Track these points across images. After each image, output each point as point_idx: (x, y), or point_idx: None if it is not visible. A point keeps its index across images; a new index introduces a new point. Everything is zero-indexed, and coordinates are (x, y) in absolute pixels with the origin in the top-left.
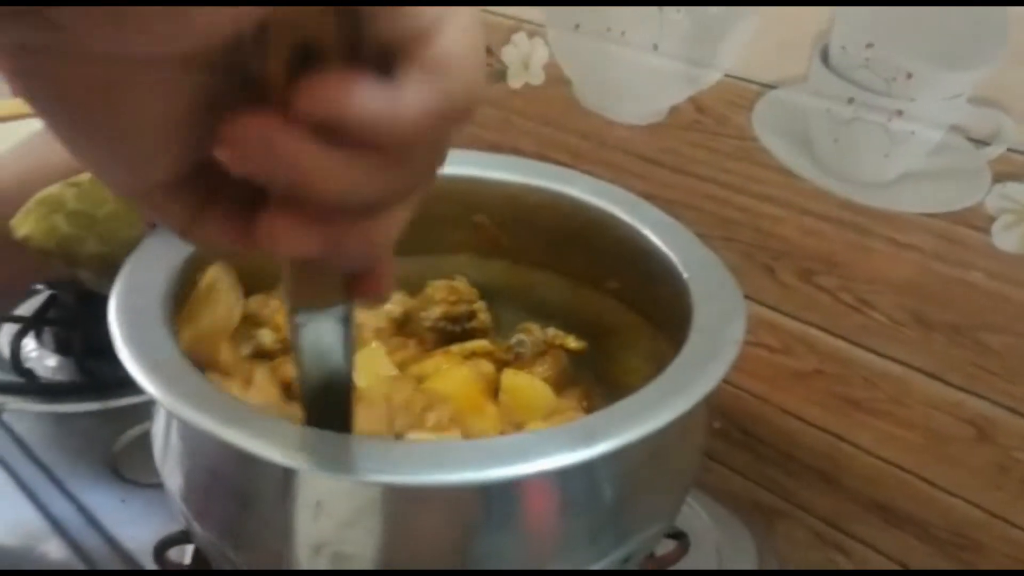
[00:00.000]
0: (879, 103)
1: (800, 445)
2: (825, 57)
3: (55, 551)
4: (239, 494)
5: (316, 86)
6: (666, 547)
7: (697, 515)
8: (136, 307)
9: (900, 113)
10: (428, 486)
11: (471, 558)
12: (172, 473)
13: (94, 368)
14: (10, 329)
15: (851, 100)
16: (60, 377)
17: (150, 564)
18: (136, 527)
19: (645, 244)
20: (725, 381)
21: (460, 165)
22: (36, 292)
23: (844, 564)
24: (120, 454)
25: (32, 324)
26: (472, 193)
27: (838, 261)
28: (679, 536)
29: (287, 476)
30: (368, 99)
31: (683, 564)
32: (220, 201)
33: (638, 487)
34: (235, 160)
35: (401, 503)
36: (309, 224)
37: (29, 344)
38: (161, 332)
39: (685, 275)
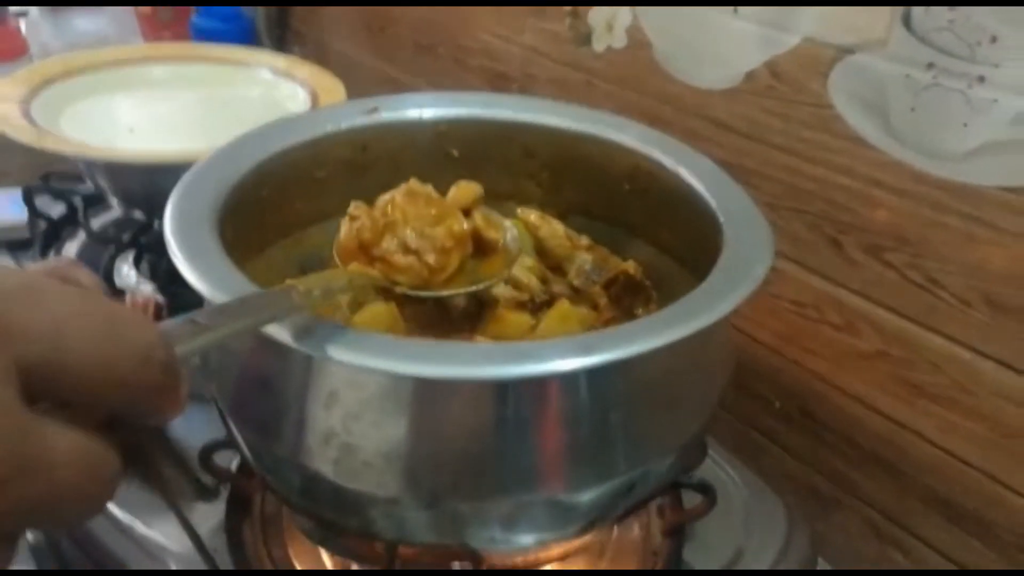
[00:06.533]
0: (960, 68)
1: (862, 431)
2: (907, 19)
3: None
4: (263, 380)
5: None
6: (694, 500)
7: (728, 476)
8: (189, 210)
9: (982, 79)
10: (422, 377)
11: (477, 454)
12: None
13: (176, 293)
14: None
15: (931, 65)
16: None
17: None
18: (188, 433)
19: (689, 193)
20: (786, 357)
21: (512, 110)
22: (136, 219)
23: (901, 561)
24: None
25: (122, 247)
26: (523, 140)
27: (908, 237)
28: (706, 490)
29: (306, 363)
30: None
31: (710, 520)
32: None
33: (647, 409)
34: None
35: (400, 396)
36: None
37: (129, 269)
38: (210, 234)
39: (721, 219)
